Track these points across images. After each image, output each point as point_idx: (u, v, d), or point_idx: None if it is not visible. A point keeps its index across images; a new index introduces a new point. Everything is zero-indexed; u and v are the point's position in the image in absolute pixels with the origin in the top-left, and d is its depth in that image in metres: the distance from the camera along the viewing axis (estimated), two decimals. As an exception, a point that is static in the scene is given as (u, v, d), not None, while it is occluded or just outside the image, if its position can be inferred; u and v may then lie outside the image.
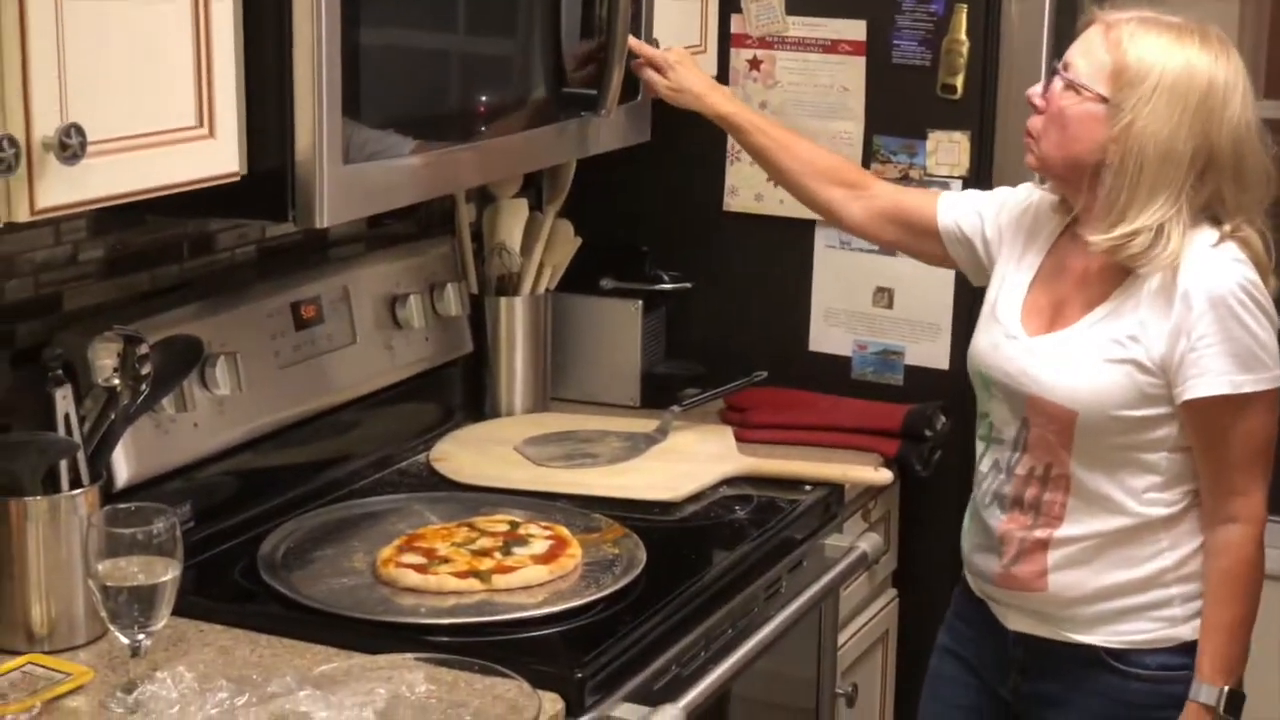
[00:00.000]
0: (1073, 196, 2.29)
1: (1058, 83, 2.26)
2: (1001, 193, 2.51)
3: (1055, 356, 2.27)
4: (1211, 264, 2.19)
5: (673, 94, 2.69)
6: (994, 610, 2.40)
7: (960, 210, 2.51)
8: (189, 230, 2.51)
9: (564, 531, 2.41)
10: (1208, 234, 2.21)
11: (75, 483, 2.09)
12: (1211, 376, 2.17)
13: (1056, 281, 2.33)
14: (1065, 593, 2.30)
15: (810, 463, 2.78)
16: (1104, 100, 2.21)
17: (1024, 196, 2.45)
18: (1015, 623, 2.37)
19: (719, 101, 2.67)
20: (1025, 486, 2.32)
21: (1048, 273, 2.35)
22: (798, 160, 2.63)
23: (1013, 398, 2.31)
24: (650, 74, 2.69)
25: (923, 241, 2.57)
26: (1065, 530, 2.29)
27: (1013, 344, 2.32)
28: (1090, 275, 2.28)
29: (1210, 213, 2.22)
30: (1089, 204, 2.25)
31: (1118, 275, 2.25)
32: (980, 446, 2.41)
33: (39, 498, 2.06)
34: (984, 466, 2.39)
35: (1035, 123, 2.29)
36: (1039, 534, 2.30)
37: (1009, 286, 2.38)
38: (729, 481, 2.71)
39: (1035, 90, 2.31)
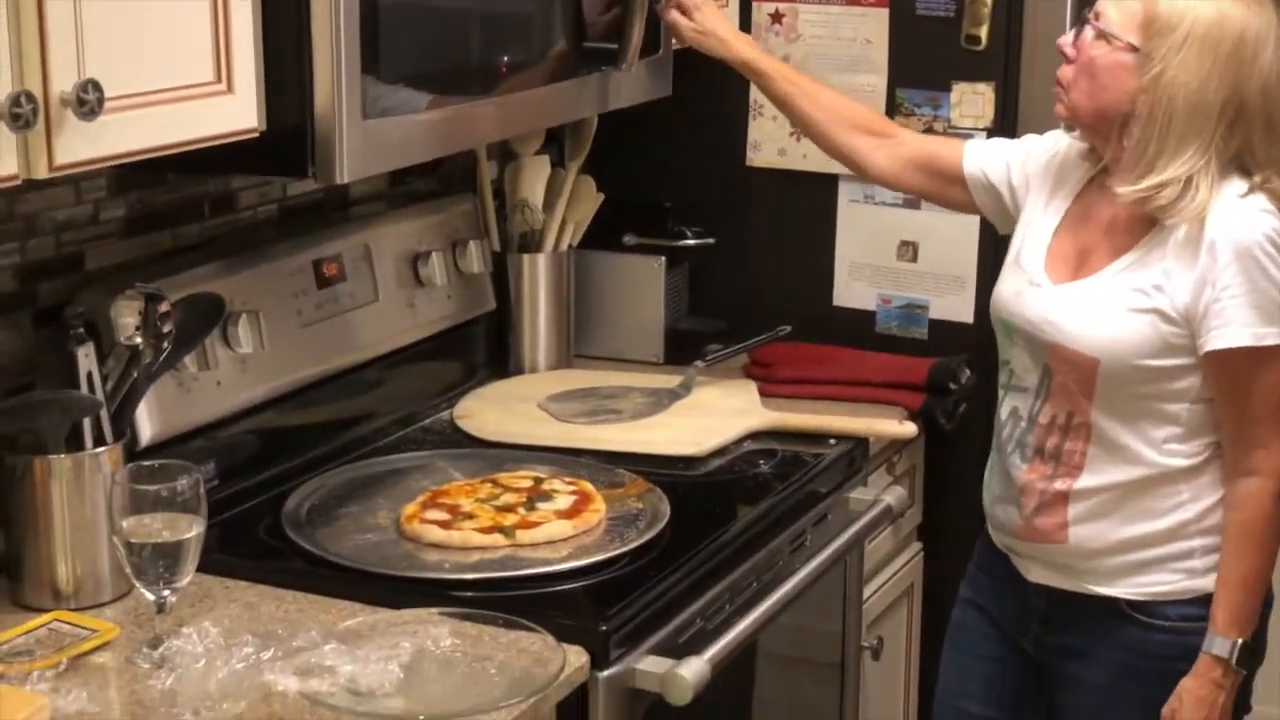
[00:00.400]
0: (1101, 146, 2.28)
1: (1088, 32, 2.24)
2: (1028, 140, 2.49)
3: (1079, 304, 2.25)
4: (1239, 215, 2.17)
5: (698, 36, 2.66)
6: (1015, 562, 2.40)
7: (987, 158, 2.50)
8: (210, 189, 2.51)
9: (588, 487, 2.41)
10: (1236, 185, 2.19)
11: (99, 441, 2.10)
12: (1235, 328, 2.15)
13: (1082, 229, 2.32)
14: (1086, 545, 2.29)
15: (835, 416, 2.78)
16: (1134, 49, 2.19)
17: (1051, 144, 2.44)
18: (1036, 574, 2.36)
19: (743, 47, 2.65)
20: (1047, 435, 2.30)
21: (1073, 220, 2.34)
22: (822, 108, 2.62)
23: (1034, 345, 2.30)
24: (675, 16, 2.66)
25: (948, 189, 2.56)
26: (1085, 481, 2.28)
27: (1036, 291, 2.31)
28: (1117, 224, 2.27)
29: (1239, 164, 2.20)
30: (1117, 154, 2.24)
31: (1145, 224, 2.23)
32: (1001, 394, 2.40)
33: (63, 456, 2.07)
34: (1003, 413, 2.38)
35: (1065, 72, 2.27)
36: (1059, 485, 2.29)
37: (1034, 233, 2.37)
38: (753, 436, 2.71)
39: (1065, 40, 2.30)
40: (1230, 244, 2.15)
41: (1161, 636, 2.27)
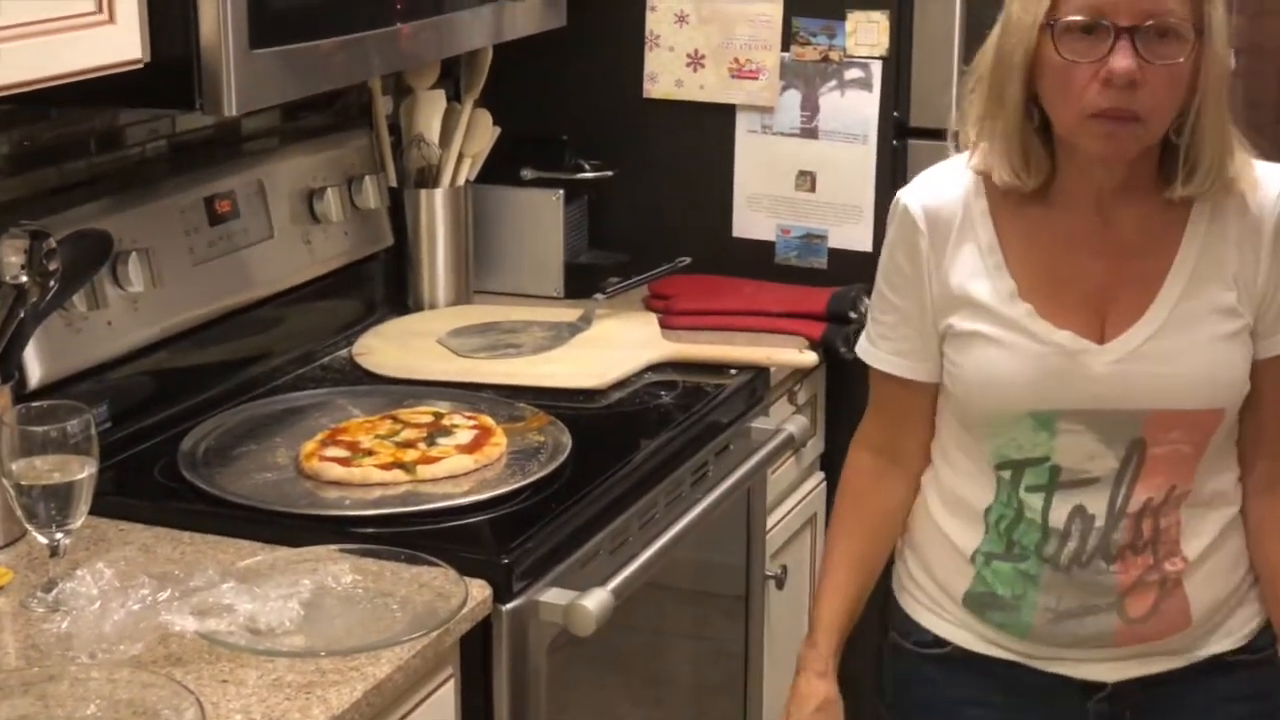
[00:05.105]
0: (1146, 157, 1.87)
1: (1147, 38, 1.78)
2: (886, 286, 2.04)
3: (1167, 353, 1.88)
4: (1270, 178, 1.90)
5: None
6: (1082, 672, 2.00)
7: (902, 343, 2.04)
8: (96, 125, 2.46)
9: (488, 421, 2.40)
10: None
11: (-14, 383, 2.06)
12: None
13: (1077, 264, 1.91)
14: (1208, 615, 1.99)
15: (735, 347, 2.77)
16: (1199, 32, 1.81)
17: (889, 253, 2.02)
18: (1125, 672, 1.99)
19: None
20: (1139, 523, 1.93)
21: (1049, 259, 1.91)
22: (886, 546, 2.16)
23: (1111, 423, 1.90)
24: None
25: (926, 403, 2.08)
26: (1189, 550, 1.96)
27: (1089, 358, 1.89)
28: (1136, 242, 1.90)
29: None
30: (1172, 152, 1.87)
31: (1173, 228, 1.90)
32: (1035, 500, 1.93)
33: (-51, 399, 2.03)
34: (1054, 519, 1.93)
35: (1142, 102, 1.79)
36: (1169, 567, 1.95)
37: (998, 297, 1.92)
38: (654, 368, 2.70)
39: (1126, 65, 1.77)
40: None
41: (1271, 669, 2.03)
